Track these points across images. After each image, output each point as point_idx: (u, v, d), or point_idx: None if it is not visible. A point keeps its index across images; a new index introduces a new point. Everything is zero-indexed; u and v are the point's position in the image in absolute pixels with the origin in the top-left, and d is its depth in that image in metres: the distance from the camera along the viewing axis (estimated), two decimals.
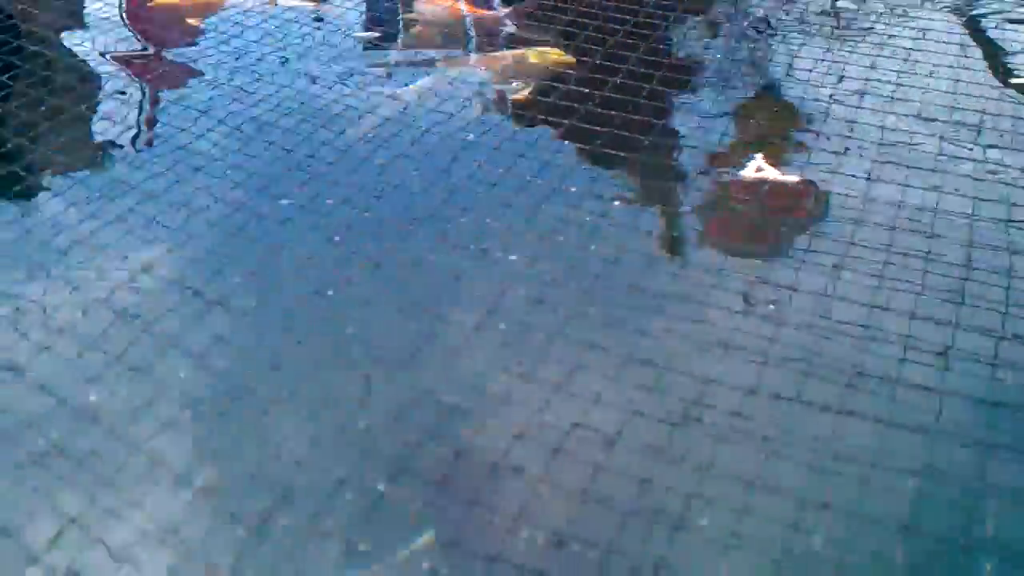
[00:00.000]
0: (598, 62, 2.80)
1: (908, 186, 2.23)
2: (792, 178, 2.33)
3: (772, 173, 2.35)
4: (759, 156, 2.40)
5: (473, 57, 2.94)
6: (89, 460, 1.63)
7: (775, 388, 1.72)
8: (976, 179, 2.25)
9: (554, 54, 2.91)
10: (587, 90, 2.64)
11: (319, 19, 3.09)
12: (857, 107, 2.55)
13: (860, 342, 1.81)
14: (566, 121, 2.51)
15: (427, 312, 1.92)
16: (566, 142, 2.46)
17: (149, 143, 2.47)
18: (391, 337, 1.86)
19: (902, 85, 2.65)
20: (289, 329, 1.90)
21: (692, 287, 1.97)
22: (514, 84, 2.76)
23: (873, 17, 3.06)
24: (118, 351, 1.83)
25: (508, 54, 2.94)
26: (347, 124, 2.50)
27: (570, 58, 2.87)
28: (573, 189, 2.25)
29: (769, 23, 3.07)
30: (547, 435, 1.65)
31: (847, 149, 2.39)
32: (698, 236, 2.14)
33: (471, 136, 2.45)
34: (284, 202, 2.21)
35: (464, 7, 3.29)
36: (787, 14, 3.11)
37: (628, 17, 3.05)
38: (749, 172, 2.36)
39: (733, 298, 1.93)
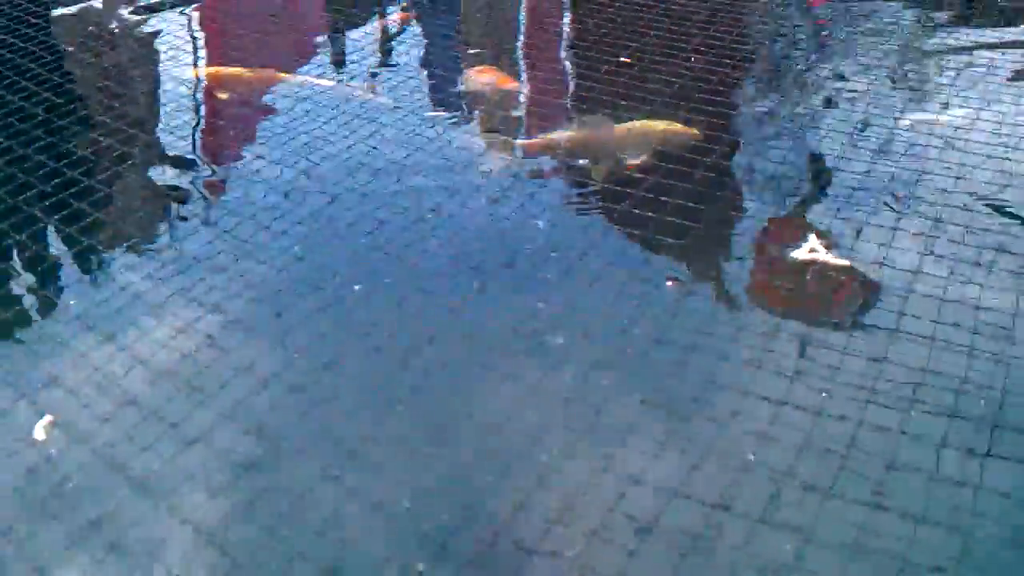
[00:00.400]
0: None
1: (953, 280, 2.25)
2: (843, 262, 2.35)
3: (824, 255, 2.38)
4: (813, 237, 2.44)
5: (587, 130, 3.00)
6: (136, 529, 1.71)
7: (810, 478, 1.75)
8: None
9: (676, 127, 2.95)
10: (640, 175, 2.70)
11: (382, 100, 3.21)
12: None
13: (896, 436, 1.83)
14: (620, 205, 2.57)
15: (474, 389, 1.98)
16: (617, 226, 2.52)
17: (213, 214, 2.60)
18: (436, 413, 1.93)
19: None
20: (336, 402, 1.97)
21: (734, 373, 2.00)
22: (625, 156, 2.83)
23: None
24: (175, 420, 1.92)
25: (630, 125, 2.97)
26: (397, 210, 2.60)
27: (693, 130, 2.91)
28: (623, 273, 2.31)
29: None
30: (584, 518, 1.70)
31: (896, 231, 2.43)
32: (743, 319, 2.18)
33: (540, 223, 2.51)
34: (356, 287, 2.28)
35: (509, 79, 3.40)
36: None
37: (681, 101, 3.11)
38: (802, 253, 2.39)
39: (776, 384, 1.96)
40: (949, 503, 1.68)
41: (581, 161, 2.82)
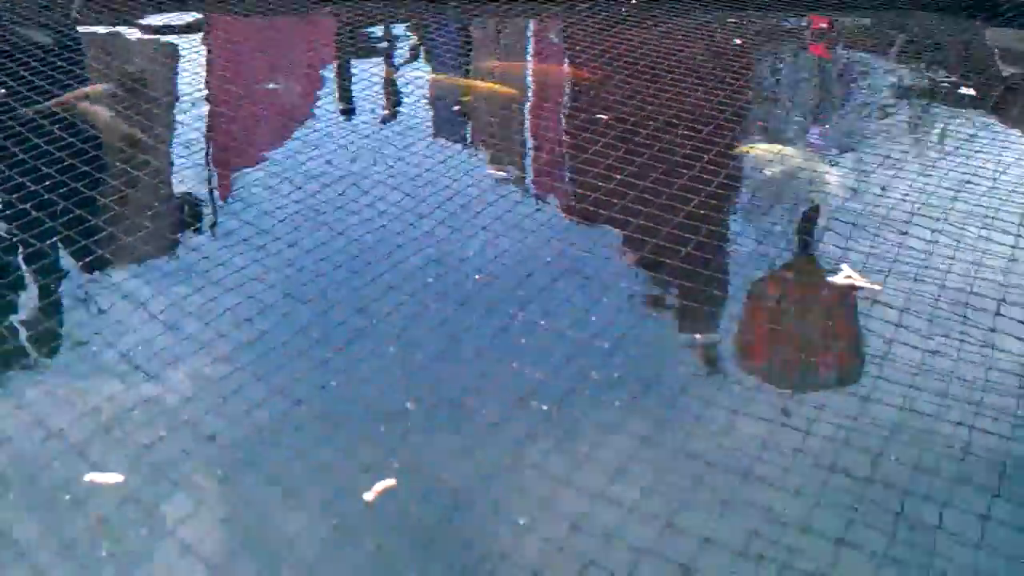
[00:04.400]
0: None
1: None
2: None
3: (861, 282, 2.42)
4: (846, 266, 2.49)
5: None
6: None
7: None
8: None
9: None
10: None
11: None
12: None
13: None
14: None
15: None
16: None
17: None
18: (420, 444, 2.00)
19: None
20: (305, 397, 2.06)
21: (737, 450, 2.03)
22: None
23: None
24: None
25: None
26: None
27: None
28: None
29: None
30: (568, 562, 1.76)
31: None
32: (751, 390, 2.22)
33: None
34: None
35: None
36: None
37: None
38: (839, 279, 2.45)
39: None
40: None
41: None
